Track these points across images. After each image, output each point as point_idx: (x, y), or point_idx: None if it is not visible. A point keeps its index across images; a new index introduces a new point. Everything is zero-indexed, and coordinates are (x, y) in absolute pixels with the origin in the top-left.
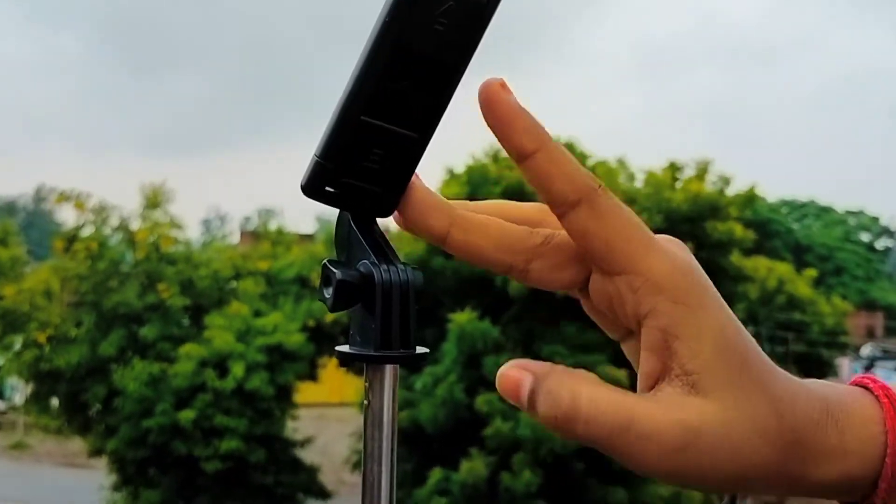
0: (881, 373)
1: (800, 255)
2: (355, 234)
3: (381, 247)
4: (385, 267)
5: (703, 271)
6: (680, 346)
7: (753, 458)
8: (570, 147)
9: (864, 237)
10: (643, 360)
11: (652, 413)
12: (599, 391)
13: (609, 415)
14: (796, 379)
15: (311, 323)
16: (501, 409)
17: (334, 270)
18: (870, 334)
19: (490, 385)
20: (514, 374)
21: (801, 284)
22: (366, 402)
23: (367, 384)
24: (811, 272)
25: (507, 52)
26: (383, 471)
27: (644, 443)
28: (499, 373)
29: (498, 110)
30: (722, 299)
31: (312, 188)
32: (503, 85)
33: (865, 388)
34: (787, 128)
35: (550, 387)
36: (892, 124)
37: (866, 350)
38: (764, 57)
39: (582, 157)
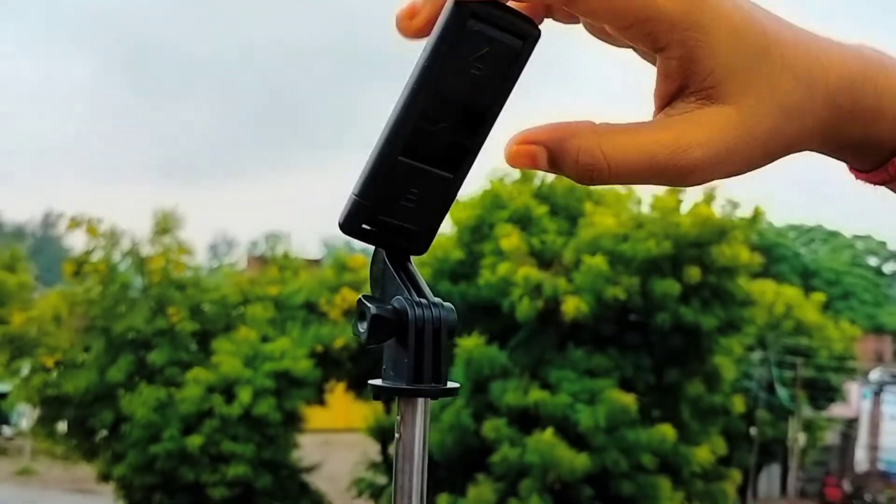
0: (890, 398)
1: (807, 279)
2: (389, 271)
3: (416, 283)
4: (419, 303)
5: None
6: (696, 68)
7: (782, 139)
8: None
9: (872, 261)
10: (659, 82)
11: (666, 143)
12: (615, 142)
13: (630, 162)
14: (833, 43)
15: (319, 348)
16: (509, 435)
17: (369, 305)
18: (878, 359)
19: (497, 411)
20: (525, 150)
21: (810, 309)
22: (397, 435)
23: (399, 418)
24: (819, 297)
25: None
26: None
27: (666, 173)
28: (507, 152)
29: (426, 32)
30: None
31: (350, 226)
32: (408, 15)
33: None
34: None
35: (571, 155)
36: None
37: (875, 375)
38: None
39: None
